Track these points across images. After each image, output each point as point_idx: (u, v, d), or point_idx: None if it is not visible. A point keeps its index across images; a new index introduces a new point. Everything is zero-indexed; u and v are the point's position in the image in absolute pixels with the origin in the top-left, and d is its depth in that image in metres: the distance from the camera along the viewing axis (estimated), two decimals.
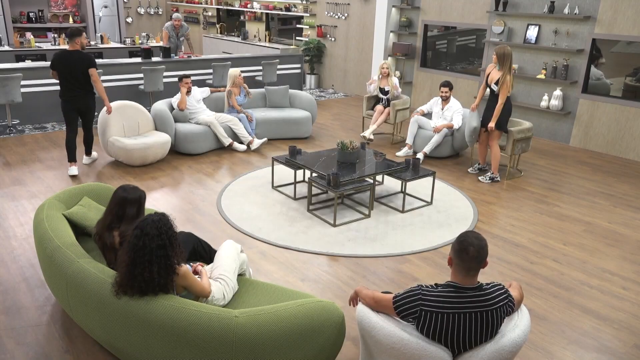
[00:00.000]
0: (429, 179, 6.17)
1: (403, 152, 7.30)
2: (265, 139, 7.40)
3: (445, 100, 7.20)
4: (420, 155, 7.04)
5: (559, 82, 8.11)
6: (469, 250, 2.41)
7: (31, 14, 13.44)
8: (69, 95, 5.97)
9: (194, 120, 7.17)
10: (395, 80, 7.90)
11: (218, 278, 3.08)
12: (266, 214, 5.27)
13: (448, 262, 2.54)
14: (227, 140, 7.17)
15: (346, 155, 5.50)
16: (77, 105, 6.07)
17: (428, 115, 7.49)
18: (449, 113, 7.17)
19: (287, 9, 12.71)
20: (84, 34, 6.06)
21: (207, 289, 2.92)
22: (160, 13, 15.94)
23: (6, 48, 10.42)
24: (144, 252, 2.60)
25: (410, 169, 5.62)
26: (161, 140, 6.54)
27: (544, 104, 8.32)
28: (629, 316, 3.79)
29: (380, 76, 7.92)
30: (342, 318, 2.81)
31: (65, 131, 6.18)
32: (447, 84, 7.18)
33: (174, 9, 16.13)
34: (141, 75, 8.96)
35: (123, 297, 2.66)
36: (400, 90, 7.99)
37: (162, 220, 2.69)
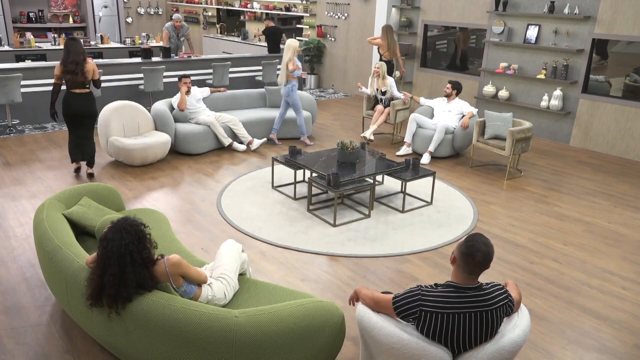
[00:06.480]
0: (429, 179, 6.17)
1: (403, 150, 7.30)
2: (265, 139, 7.40)
3: (449, 97, 7.26)
4: (426, 156, 7.03)
5: (559, 82, 8.11)
6: (475, 256, 2.40)
7: (31, 14, 13.44)
8: None
9: (194, 120, 7.17)
10: (390, 81, 7.89)
11: (219, 277, 3.09)
12: (266, 214, 5.27)
13: (451, 261, 2.53)
14: (227, 140, 7.17)
15: (346, 155, 5.50)
16: None
17: (427, 114, 7.50)
18: (454, 107, 7.20)
19: (287, 9, 12.71)
20: None
21: (203, 274, 2.99)
22: (160, 13, 15.93)
23: (6, 48, 10.41)
24: (110, 256, 2.65)
25: (410, 169, 5.62)
26: (161, 140, 6.54)
27: (544, 104, 8.31)
28: (629, 316, 3.79)
29: (376, 77, 7.89)
30: (342, 318, 2.81)
31: None
32: (452, 82, 7.31)
33: (174, 9, 16.12)
34: (141, 75, 8.95)
35: (95, 308, 2.75)
36: (399, 94, 7.95)
37: (127, 222, 2.74)
